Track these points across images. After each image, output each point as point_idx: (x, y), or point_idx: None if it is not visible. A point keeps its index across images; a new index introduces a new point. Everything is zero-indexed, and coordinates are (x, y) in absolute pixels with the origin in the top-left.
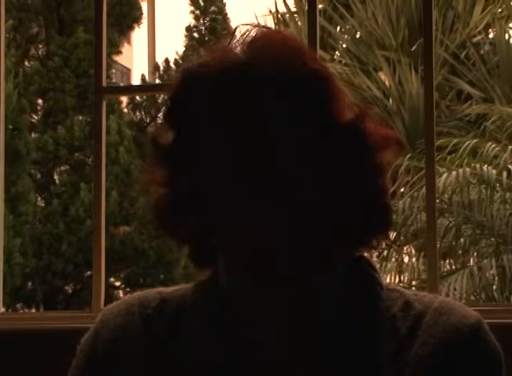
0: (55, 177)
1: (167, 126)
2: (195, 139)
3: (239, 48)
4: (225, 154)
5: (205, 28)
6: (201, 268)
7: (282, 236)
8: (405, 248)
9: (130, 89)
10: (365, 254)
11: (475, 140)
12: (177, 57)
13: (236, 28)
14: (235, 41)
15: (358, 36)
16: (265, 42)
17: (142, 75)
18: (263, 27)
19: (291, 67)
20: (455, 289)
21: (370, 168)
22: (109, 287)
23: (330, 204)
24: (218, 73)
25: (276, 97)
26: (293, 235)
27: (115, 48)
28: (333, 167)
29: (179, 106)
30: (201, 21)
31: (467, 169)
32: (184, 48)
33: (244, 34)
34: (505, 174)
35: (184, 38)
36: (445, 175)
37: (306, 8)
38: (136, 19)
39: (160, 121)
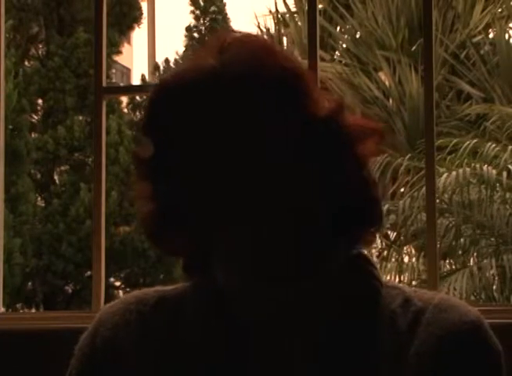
0: (55, 177)
1: (146, 139)
2: (173, 150)
3: (210, 56)
4: (204, 163)
5: (205, 28)
6: (193, 277)
7: (277, 237)
8: (405, 248)
9: (130, 89)
10: (364, 251)
11: (475, 140)
12: (177, 57)
13: (211, 36)
14: (209, 48)
15: (358, 36)
16: (236, 46)
17: (142, 75)
18: (235, 31)
19: (264, 67)
20: (455, 289)
21: (351, 160)
22: (110, 287)
23: (320, 201)
24: (191, 82)
25: (252, 98)
26: (288, 235)
27: (115, 48)
28: (316, 163)
29: (155, 118)
30: (201, 21)
31: (467, 169)
32: (184, 48)
33: (219, 40)
34: (505, 174)
35: (184, 38)
36: (445, 175)
37: (306, 8)
38: (136, 19)
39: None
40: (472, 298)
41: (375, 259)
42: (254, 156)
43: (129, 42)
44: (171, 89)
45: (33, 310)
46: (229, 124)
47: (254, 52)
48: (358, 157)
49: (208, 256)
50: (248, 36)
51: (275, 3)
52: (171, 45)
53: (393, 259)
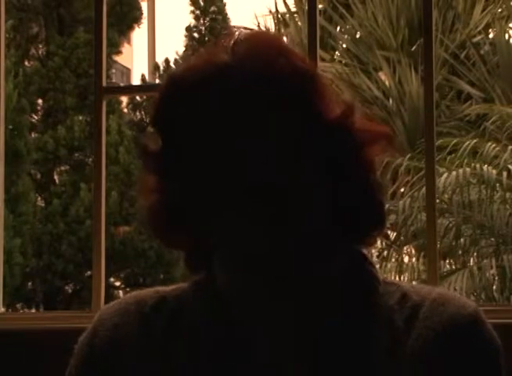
0: (55, 177)
1: (154, 132)
2: (182, 144)
3: (223, 52)
4: (212, 158)
5: (205, 28)
6: (194, 272)
7: (275, 237)
8: (405, 248)
9: (130, 89)
10: (363, 250)
11: (475, 140)
12: (177, 57)
13: (223, 32)
14: (221, 45)
15: (358, 36)
16: (248, 43)
17: (142, 75)
18: (247, 29)
19: (275, 66)
20: (455, 289)
21: (359, 164)
22: (110, 287)
23: (322, 203)
24: (201, 76)
25: (261, 97)
26: (286, 236)
27: (115, 48)
28: (322, 165)
29: (164, 111)
30: (201, 21)
31: (467, 169)
32: (184, 48)
33: (231, 37)
34: (505, 174)
35: (184, 38)
36: (445, 175)
37: (306, 8)
38: (136, 19)
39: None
40: (472, 298)
41: (375, 259)
42: (259, 155)
43: (129, 42)
44: (181, 83)
45: (33, 310)
46: (237, 122)
47: (267, 50)
48: (365, 160)
49: (209, 253)
50: (261, 34)
51: (275, 3)
52: (171, 45)
53: (393, 259)
